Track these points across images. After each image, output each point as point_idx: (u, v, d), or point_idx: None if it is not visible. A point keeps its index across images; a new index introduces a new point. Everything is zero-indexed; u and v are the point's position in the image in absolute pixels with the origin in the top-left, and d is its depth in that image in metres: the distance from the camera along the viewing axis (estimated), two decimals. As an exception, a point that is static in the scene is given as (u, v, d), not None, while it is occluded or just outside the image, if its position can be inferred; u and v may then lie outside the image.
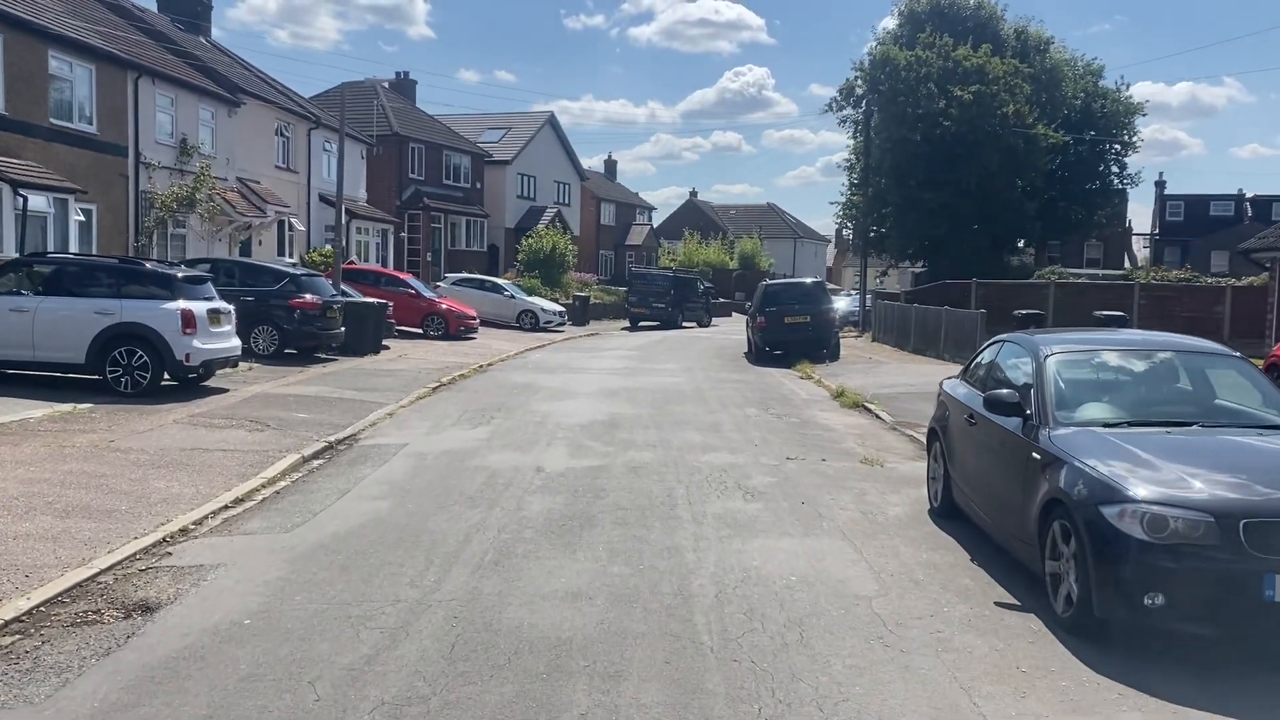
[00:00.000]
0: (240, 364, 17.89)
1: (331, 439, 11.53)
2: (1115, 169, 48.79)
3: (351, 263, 31.35)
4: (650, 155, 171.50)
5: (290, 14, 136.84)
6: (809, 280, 28.97)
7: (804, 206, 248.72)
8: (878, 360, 23.90)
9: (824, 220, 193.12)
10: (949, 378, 9.34)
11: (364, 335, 22.01)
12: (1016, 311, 22.81)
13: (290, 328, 19.39)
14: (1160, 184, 69.82)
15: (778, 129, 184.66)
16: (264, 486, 9.11)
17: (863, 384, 18.61)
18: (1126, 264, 61.51)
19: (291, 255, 30.72)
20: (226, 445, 10.73)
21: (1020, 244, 48.04)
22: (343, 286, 23.65)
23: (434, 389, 16.96)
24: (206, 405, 13.27)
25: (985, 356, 8.39)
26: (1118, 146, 47.91)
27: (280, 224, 30.04)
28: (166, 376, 13.87)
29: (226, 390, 14.80)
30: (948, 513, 8.22)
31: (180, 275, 14.41)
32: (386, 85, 46.68)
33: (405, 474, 9.83)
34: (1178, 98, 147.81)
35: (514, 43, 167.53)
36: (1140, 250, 79.74)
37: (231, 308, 15.21)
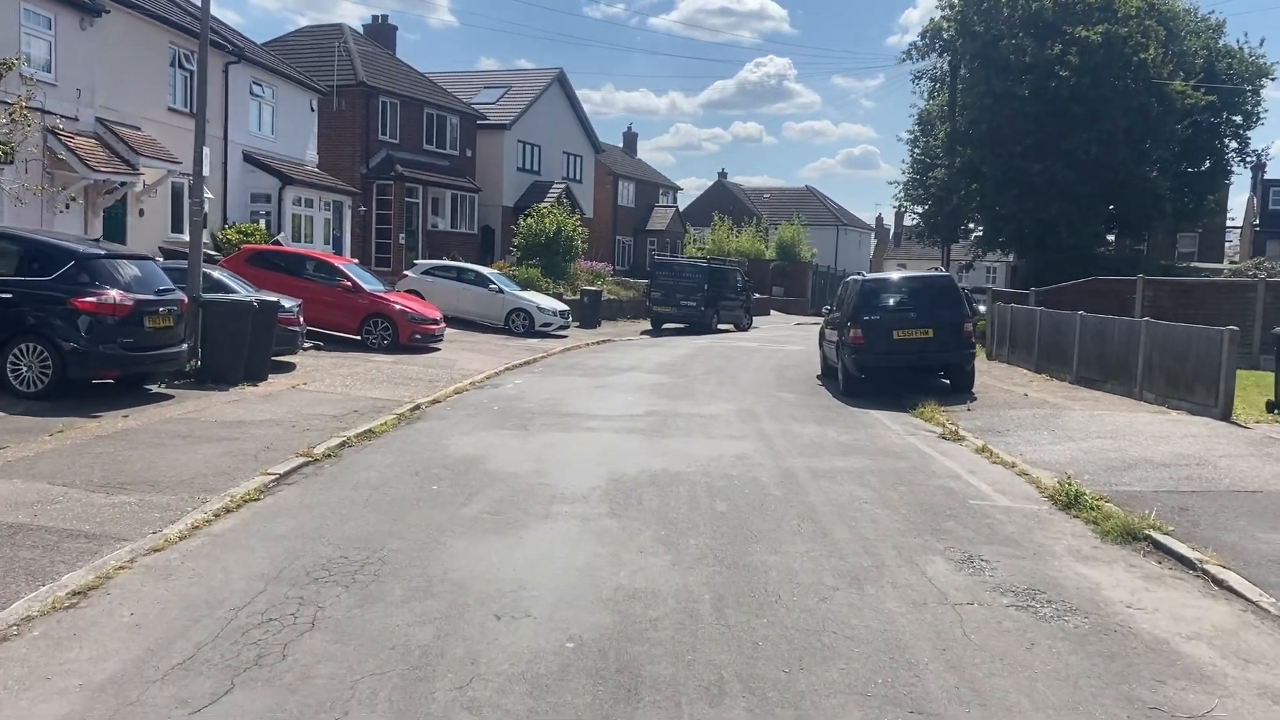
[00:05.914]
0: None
1: None
2: (1234, 144, 40.26)
3: (276, 243, 23.23)
4: (670, 145, 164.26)
5: (311, 1, 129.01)
6: (930, 274, 20.02)
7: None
8: (1042, 400, 15.42)
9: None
10: None
11: (236, 353, 13.84)
12: (1278, 330, 14.51)
13: (74, 345, 11.26)
14: (1260, 167, 60.37)
15: (798, 120, 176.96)
16: None
17: (1066, 457, 10.34)
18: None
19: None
20: None
21: (1110, 233, 39.28)
22: (218, 276, 15.56)
23: (286, 473, 8.79)
24: None
25: None
26: (1238, 118, 39.30)
27: (175, 188, 21.89)
28: None
29: None
30: None
31: None
32: (360, 30, 38.46)
33: None
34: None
35: (534, 30, 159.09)
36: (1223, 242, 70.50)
37: None
